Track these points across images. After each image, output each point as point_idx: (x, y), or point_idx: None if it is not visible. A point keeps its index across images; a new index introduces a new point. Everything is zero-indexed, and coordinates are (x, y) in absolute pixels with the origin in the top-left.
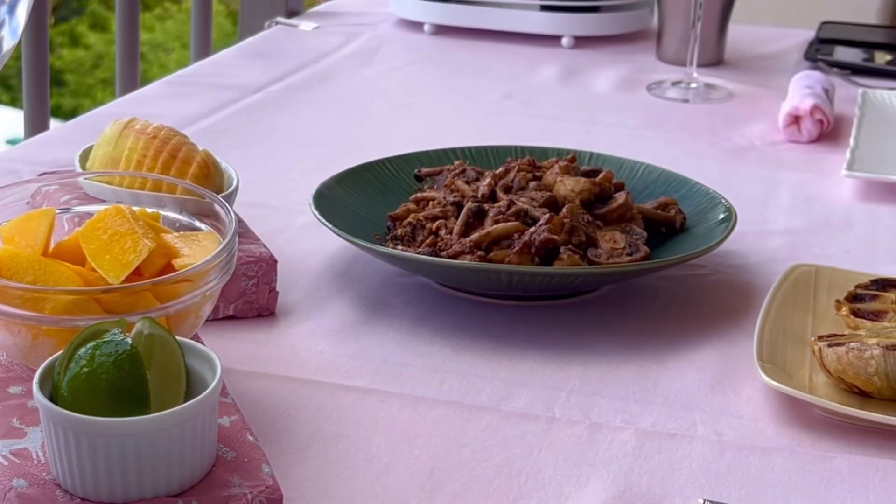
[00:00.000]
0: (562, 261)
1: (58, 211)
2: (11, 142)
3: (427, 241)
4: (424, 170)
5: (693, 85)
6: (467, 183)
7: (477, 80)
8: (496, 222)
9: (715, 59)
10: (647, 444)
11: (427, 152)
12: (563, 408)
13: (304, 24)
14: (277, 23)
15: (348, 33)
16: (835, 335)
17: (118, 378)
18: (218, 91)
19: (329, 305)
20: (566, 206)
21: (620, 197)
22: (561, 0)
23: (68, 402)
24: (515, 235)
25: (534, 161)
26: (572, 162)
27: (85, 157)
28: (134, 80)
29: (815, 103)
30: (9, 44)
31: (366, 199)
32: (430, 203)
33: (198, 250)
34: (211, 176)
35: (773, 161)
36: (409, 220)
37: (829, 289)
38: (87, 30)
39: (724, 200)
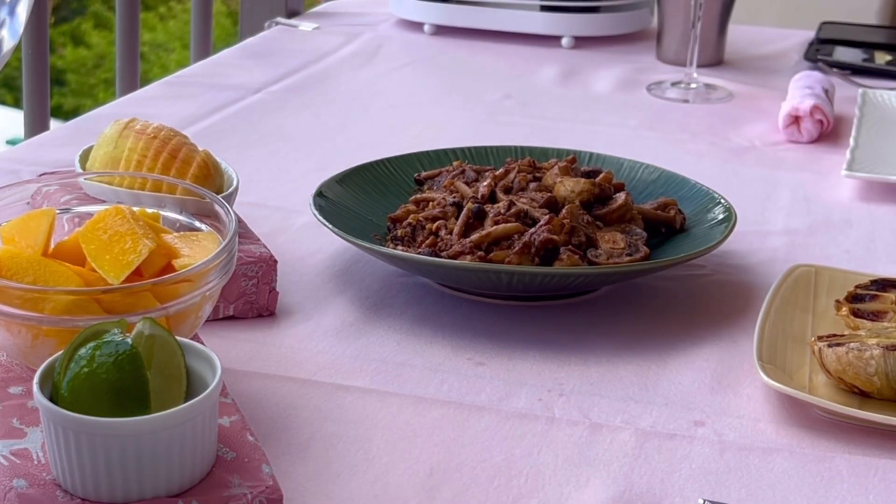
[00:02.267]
0: (562, 261)
1: (58, 211)
2: (11, 142)
3: (427, 241)
4: (424, 173)
5: (693, 85)
6: (467, 184)
7: (477, 80)
8: (496, 223)
9: (715, 59)
10: (647, 444)
11: (427, 152)
12: (563, 408)
13: (304, 25)
14: (277, 23)
15: (348, 33)
16: (835, 335)
17: (118, 378)
18: (218, 91)
19: (329, 305)
20: (566, 207)
21: (620, 197)
22: (561, 0)
23: (68, 403)
24: (515, 236)
25: (534, 162)
26: (572, 163)
27: (85, 157)
28: (134, 80)
29: (814, 103)
30: (9, 44)
31: (366, 199)
32: (430, 204)
33: (198, 250)
34: (211, 176)
35: (772, 161)
36: (409, 220)
37: (829, 289)
38: (90, 29)
39: (723, 200)
